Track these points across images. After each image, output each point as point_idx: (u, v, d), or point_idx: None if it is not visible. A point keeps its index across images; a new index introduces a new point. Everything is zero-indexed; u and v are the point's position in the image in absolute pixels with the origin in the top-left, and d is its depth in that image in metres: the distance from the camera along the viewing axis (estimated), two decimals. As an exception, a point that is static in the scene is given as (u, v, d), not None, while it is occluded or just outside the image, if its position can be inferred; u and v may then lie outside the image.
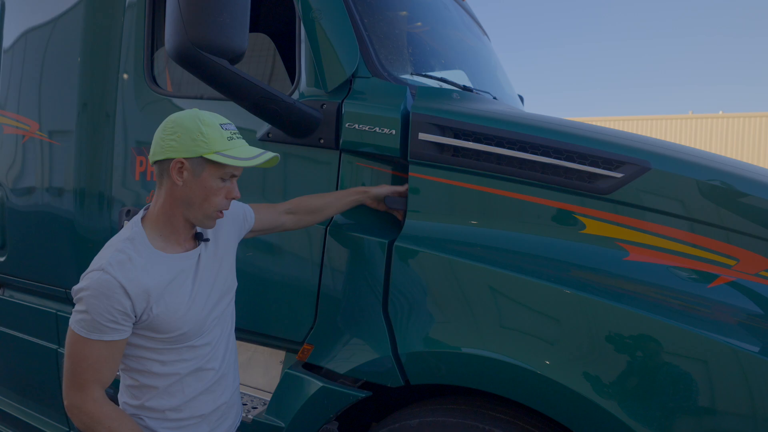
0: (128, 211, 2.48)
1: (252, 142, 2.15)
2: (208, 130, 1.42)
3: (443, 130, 1.82)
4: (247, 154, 1.45)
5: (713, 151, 18.60)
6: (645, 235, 1.65)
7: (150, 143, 2.45)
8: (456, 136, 1.81)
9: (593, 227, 1.68)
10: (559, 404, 1.52)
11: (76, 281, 2.74)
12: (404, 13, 2.33)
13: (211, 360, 1.56)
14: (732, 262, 1.61)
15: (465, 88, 2.26)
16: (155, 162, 1.46)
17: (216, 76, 1.81)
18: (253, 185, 2.15)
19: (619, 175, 1.66)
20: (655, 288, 1.59)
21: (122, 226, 2.46)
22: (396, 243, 1.79)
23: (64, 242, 2.71)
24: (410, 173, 1.85)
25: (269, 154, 1.49)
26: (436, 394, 1.88)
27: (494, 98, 2.45)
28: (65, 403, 1.40)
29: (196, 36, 1.70)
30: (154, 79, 2.49)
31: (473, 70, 2.65)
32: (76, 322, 1.38)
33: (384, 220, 1.96)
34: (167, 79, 2.59)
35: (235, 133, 1.48)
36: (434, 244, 1.76)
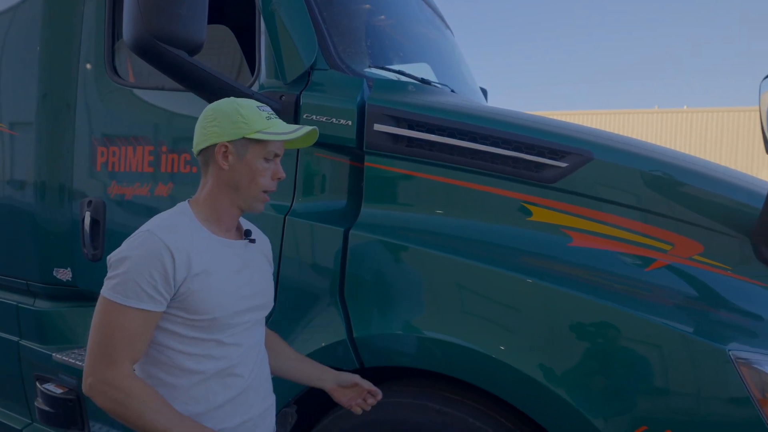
0: (89, 201, 2.48)
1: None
2: (247, 112, 1.43)
3: (398, 121, 1.88)
4: (286, 130, 1.45)
5: (677, 145, 19.07)
6: (587, 221, 1.74)
7: (112, 134, 2.48)
8: (410, 127, 1.87)
9: (539, 215, 1.76)
10: (501, 381, 1.60)
11: (38, 273, 2.72)
12: (364, 6, 2.38)
13: (239, 365, 1.47)
14: (668, 247, 1.71)
15: (423, 80, 2.32)
16: (199, 152, 1.47)
17: (175, 67, 1.84)
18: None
19: (564, 165, 1.74)
20: (597, 272, 1.67)
21: (83, 217, 2.49)
22: (351, 230, 1.84)
23: (25, 234, 2.69)
24: (366, 163, 1.91)
25: (307, 128, 1.49)
26: (403, 378, 1.94)
27: (452, 91, 2.52)
28: (89, 381, 1.32)
29: (154, 27, 1.72)
30: (115, 70, 2.50)
31: (433, 63, 2.72)
32: (111, 288, 1.32)
33: (341, 208, 2.01)
34: (129, 69, 2.59)
35: (272, 114, 1.48)
36: (388, 231, 1.82)
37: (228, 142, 1.42)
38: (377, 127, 1.87)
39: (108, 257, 1.37)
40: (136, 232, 1.39)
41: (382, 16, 2.49)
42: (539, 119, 1.99)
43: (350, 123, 1.89)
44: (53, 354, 2.57)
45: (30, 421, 2.81)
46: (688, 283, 1.68)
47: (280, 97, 2.00)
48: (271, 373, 1.64)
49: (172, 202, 2.26)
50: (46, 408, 2.59)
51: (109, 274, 1.35)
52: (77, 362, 2.48)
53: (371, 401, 1.65)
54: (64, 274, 2.60)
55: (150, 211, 2.33)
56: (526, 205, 1.77)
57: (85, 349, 2.61)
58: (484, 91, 4.04)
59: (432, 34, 2.88)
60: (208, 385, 1.43)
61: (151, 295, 1.32)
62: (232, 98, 1.49)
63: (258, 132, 1.41)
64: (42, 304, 2.71)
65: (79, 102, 2.56)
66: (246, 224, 1.60)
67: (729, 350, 1.44)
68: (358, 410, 1.65)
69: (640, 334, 1.52)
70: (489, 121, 1.84)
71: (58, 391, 2.59)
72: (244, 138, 1.41)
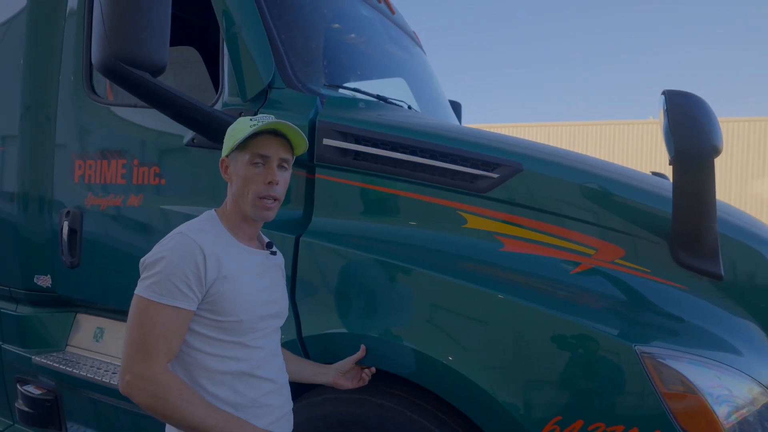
0: (68, 212, 2.63)
1: (179, 148, 2.34)
2: (238, 125, 1.54)
3: (345, 136, 2.02)
4: (253, 129, 1.48)
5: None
6: (517, 228, 1.87)
7: (88, 148, 2.63)
8: (357, 142, 2.01)
9: (473, 222, 1.90)
10: (431, 375, 1.72)
11: (20, 279, 2.86)
12: (324, 28, 2.53)
13: (262, 368, 1.54)
14: (592, 252, 1.84)
15: (379, 97, 2.46)
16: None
17: (139, 87, 1.98)
18: (186, 187, 2.33)
19: (495, 176, 1.88)
20: (525, 275, 1.80)
21: (62, 227, 2.64)
22: (302, 237, 1.98)
23: (7, 242, 2.84)
24: (316, 175, 2.05)
25: (267, 120, 1.50)
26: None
27: (409, 107, 2.67)
28: (126, 378, 1.37)
29: (118, 51, 1.86)
30: (92, 88, 2.65)
31: (393, 80, 2.87)
32: (146, 287, 1.39)
33: (297, 217, 2.14)
34: (108, 87, 2.74)
35: (263, 121, 1.50)
36: (335, 238, 1.96)
37: (226, 156, 1.56)
38: (326, 141, 2.01)
39: (141, 260, 1.45)
40: (169, 235, 1.48)
41: (343, 37, 2.64)
42: (476, 132, 2.13)
43: (302, 138, 2.03)
44: (32, 357, 2.70)
45: (11, 423, 2.94)
46: (609, 285, 1.80)
47: (240, 114, 2.14)
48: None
49: (142, 212, 2.42)
50: (26, 409, 2.72)
51: (143, 275, 1.42)
52: (55, 364, 2.61)
53: (368, 372, 1.81)
54: (44, 281, 2.74)
55: (123, 220, 2.49)
56: (461, 213, 1.91)
57: (64, 351, 2.76)
58: (458, 105, 4.19)
59: (396, 52, 3.03)
60: (234, 386, 1.48)
61: (185, 293, 1.39)
62: (243, 118, 1.58)
63: (237, 140, 1.50)
64: (23, 310, 2.85)
65: (59, 116, 2.72)
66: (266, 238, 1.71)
67: (634, 346, 1.56)
68: (363, 383, 1.81)
69: (557, 332, 1.64)
70: (428, 136, 1.98)
71: (37, 392, 2.72)
72: (234, 150, 1.52)
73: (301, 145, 1.58)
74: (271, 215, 1.56)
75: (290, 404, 1.68)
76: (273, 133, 1.53)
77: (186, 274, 1.39)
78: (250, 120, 1.52)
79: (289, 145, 1.57)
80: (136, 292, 1.41)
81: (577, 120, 23.36)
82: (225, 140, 1.56)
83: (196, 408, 1.37)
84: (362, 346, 1.80)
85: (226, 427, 1.38)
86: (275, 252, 1.68)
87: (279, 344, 1.66)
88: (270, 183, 1.51)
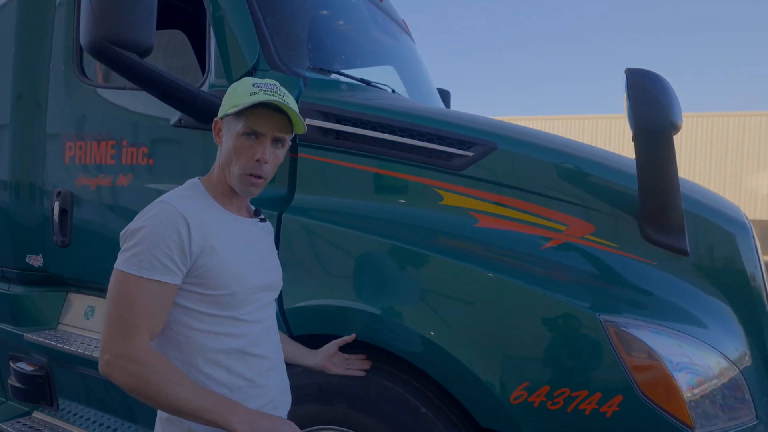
0: (59, 192, 2.69)
1: (167, 128, 2.40)
2: (238, 88, 1.41)
3: (326, 116, 2.08)
4: (251, 101, 1.36)
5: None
6: (491, 205, 1.94)
7: (79, 130, 2.69)
8: (337, 122, 2.07)
9: (449, 199, 1.96)
10: (406, 344, 1.79)
11: (12, 259, 2.91)
12: (309, 12, 2.59)
13: (258, 344, 1.45)
14: (562, 228, 1.90)
15: (363, 81, 2.52)
16: None
17: (127, 68, 2.03)
18: (174, 166, 2.39)
19: (470, 154, 1.94)
20: (497, 249, 1.87)
21: (53, 207, 2.69)
22: (284, 214, 2.04)
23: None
24: (299, 154, 2.11)
25: (262, 97, 1.37)
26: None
27: (393, 91, 2.73)
28: (106, 357, 1.26)
29: (106, 32, 1.91)
30: (83, 71, 2.71)
31: (379, 65, 2.93)
32: (125, 260, 1.29)
33: (282, 195, 2.20)
34: (98, 71, 2.80)
35: (268, 88, 1.40)
36: (316, 214, 2.02)
37: (221, 118, 1.45)
38: (308, 121, 2.07)
39: (122, 232, 1.35)
40: (151, 204, 1.37)
41: (328, 21, 2.70)
42: (453, 113, 2.20)
43: (285, 118, 2.09)
44: (25, 334, 2.76)
45: (4, 400, 3.01)
46: (579, 259, 1.87)
47: (225, 95, 2.20)
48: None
49: (131, 191, 2.48)
50: (18, 385, 2.79)
51: (123, 247, 1.32)
52: (47, 341, 2.67)
53: (354, 360, 1.85)
54: (35, 260, 2.81)
55: (112, 200, 2.55)
56: (437, 190, 1.97)
57: (56, 330, 2.82)
58: (446, 93, 4.25)
59: (382, 38, 3.09)
60: (229, 366, 1.39)
61: (167, 266, 1.29)
62: (248, 77, 1.49)
63: (233, 106, 1.38)
64: (16, 289, 2.92)
65: (50, 100, 2.77)
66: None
67: (599, 315, 1.63)
68: (352, 372, 1.84)
69: (526, 303, 1.71)
70: (406, 116, 2.04)
71: (29, 368, 2.79)
72: (228, 114, 1.41)
73: (300, 126, 1.47)
74: (255, 191, 1.48)
75: (286, 382, 1.61)
76: (273, 107, 1.40)
77: (167, 245, 1.29)
78: (253, 85, 1.40)
79: (289, 123, 1.45)
80: (115, 265, 1.31)
81: (572, 114, 23.42)
82: (224, 98, 1.44)
83: (181, 389, 1.25)
84: (353, 335, 1.82)
85: (214, 409, 1.27)
86: (264, 219, 1.60)
87: (275, 319, 1.59)
88: (258, 161, 1.41)
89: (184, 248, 1.32)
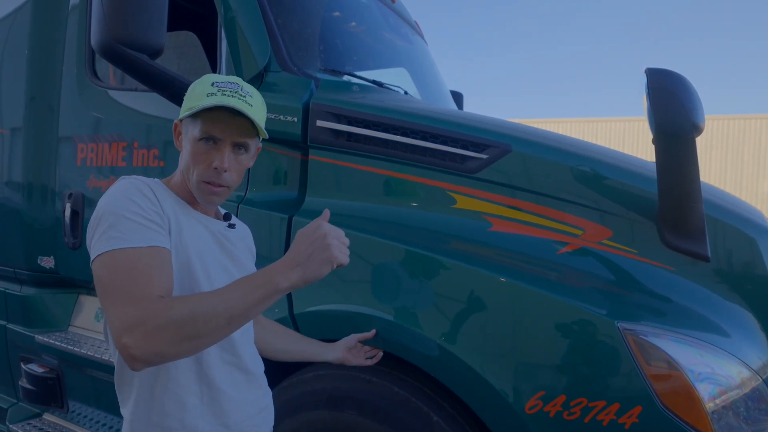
0: (70, 194, 2.69)
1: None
2: (196, 87, 1.29)
3: (338, 118, 2.05)
4: (207, 104, 1.24)
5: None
6: (506, 208, 1.90)
7: (91, 132, 2.69)
8: (349, 124, 2.04)
9: (463, 202, 1.93)
10: (419, 352, 1.75)
11: (24, 261, 2.92)
12: (320, 13, 2.57)
13: (230, 350, 1.36)
14: (579, 232, 1.86)
15: (375, 82, 2.49)
16: None
17: (137, 69, 2.02)
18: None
19: (484, 157, 1.90)
20: (512, 254, 1.83)
21: (64, 209, 2.69)
22: (295, 217, 2.02)
23: (12, 225, 2.91)
24: (310, 156, 2.09)
25: (218, 100, 1.24)
26: None
27: (405, 93, 2.69)
28: (123, 340, 1.06)
29: (117, 34, 1.91)
30: (95, 73, 2.71)
31: (392, 67, 2.90)
32: (104, 242, 1.14)
33: (292, 198, 2.18)
34: (111, 73, 2.80)
35: (224, 90, 1.26)
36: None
37: (179, 120, 1.34)
38: (320, 123, 2.05)
39: (87, 228, 1.23)
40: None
41: (339, 23, 2.67)
42: (466, 115, 2.16)
43: (296, 120, 2.07)
44: (36, 336, 2.76)
45: (16, 401, 3.01)
46: (596, 264, 1.82)
47: (236, 97, 2.18)
48: (282, 357, 1.70)
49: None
50: (29, 386, 2.79)
51: (95, 237, 1.18)
52: (57, 343, 2.67)
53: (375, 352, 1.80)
54: (47, 262, 2.81)
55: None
56: (450, 193, 1.94)
57: (66, 331, 2.82)
58: (459, 95, 4.21)
59: (395, 39, 3.06)
60: (198, 371, 1.29)
61: (151, 228, 1.18)
62: (209, 74, 1.35)
63: (189, 108, 1.27)
64: (28, 290, 2.92)
65: (62, 102, 2.77)
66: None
67: (617, 323, 1.58)
68: (371, 362, 1.80)
69: (542, 310, 1.66)
70: (419, 118, 2.00)
71: (40, 370, 2.79)
72: (185, 116, 1.29)
73: (260, 132, 1.32)
74: (217, 200, 1.34)
75: (268, 397, 1.50)
76: (232, 110, 1.26)
77: (142, 209, 1.18)
78: (212, 85, 1.27)
79: (253, 126, 1.30)
80: (94, 255, 1.16)
81: (587, 117, 23.26)
82: (184, 98, 1.32)
83: (216, 298, 1.11)
84: (373, 330, 1.78)
85: (251, 285, 1.15)
86: (233, 225, 1.45)
87: (251, 332, 1.50)
88: (216, 169, 1.28)
89: (158, 211, 1.21)
